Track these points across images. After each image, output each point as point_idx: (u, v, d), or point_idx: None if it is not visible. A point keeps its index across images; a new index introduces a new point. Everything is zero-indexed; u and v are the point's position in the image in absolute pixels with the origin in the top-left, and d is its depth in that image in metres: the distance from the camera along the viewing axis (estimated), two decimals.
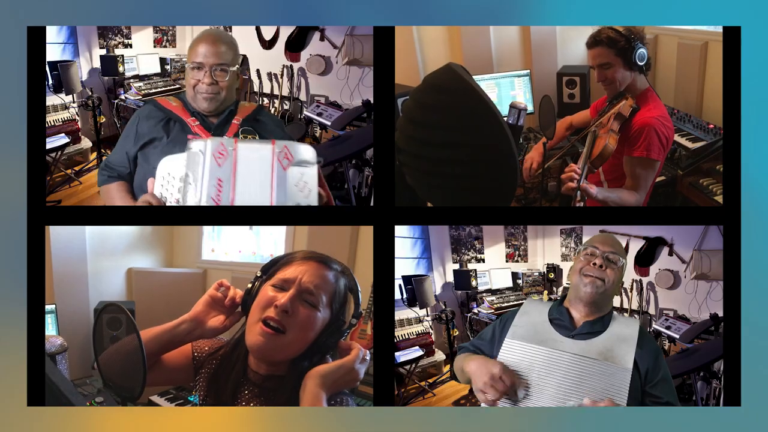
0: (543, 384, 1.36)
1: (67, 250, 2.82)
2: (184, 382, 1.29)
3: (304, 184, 1.34)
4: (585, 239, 3.33)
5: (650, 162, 2.09)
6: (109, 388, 1.24)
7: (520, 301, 4.01)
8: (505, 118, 1.21)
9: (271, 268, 1.22)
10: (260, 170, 1.33)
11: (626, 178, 2.16)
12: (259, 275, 1.21)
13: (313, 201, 1.32)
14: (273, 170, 1.33)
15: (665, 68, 3.02)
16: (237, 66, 1.79)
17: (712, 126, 2.70)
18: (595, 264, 1.50)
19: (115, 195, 1.79)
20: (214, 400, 1.20)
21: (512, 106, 1.59)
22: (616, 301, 3.21)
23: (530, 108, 3.32)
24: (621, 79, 2.16)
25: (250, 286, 1.20)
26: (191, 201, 1.32)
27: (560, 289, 4.20)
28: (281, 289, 1.15)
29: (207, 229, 3.37)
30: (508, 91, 3.33)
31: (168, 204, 1.34)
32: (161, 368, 1.25)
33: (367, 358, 1.16)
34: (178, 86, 3.90)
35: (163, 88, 3.83)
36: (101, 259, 2.98)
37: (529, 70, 3.39)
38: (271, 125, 1.89)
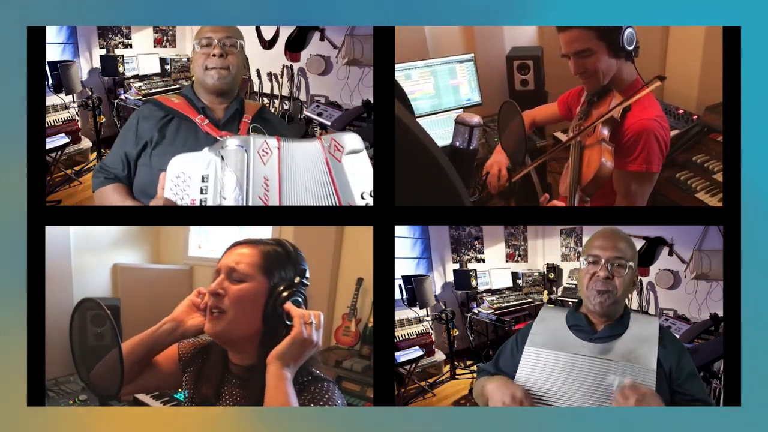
0: (569, 390, 1.33)
1: (50, 245, 2.73)
2: (174, 386, 1.33)
3: (360, 169, 1.33)
4: (585, 240, 3.32)
5: (649, 176, 1.72)
6: (88, 386, 1.26)
7: (520, 302, 4.03)
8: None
9: None
10: (313, 167, 1.32)
11: (616, 196, 1.79)
12: None
13: (370, 184, 1.30)
14: (328, 164, 1.33)
15: None
16: (243, 43, 1.80)
17: (681, 111, 2.45)
18: (599, 276, 1.35)
19: (111, 197, 1.75)
20: (201, 399, 1.23)
21: (459, 123, 1.25)
22: None
23: (477, 99, 2.89)
24: (605, 69, 1.68)
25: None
26: (230, 201, 1.30)
27: (560, 288, 4.20)
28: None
29: (194, 226, 3.34)
30: (447, 81, 2.81)
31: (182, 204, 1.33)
32: (153, 372, 1.28)
33: (313, 321, 1.16)
34: (178, 86, 3.90)
35: (163, 88, 3.83)
36: (86, 255, 2.94)
37: (472, 54, 2.87)
38: (276, 122, 1.92)
